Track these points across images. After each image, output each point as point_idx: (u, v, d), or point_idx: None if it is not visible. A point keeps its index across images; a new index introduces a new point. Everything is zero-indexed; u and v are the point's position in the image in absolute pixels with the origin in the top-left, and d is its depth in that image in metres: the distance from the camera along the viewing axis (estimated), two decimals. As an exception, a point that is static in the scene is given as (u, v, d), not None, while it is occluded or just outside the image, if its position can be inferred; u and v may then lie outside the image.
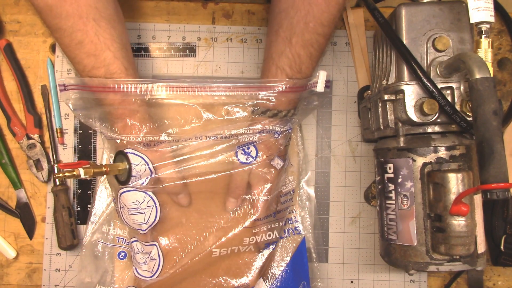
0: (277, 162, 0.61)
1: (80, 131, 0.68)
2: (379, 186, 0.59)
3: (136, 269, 0.61)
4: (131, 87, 0.57)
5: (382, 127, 0.60)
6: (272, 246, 0.63)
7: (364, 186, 0.70)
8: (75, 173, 0.54)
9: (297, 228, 0.66)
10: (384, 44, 0.62)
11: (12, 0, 0.70)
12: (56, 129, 0.68)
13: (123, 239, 0.64)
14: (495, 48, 0.70)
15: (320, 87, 0.62)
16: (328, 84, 0.64)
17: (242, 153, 0.60)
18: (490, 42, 0.53)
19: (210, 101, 0.60)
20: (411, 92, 0.55)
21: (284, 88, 0.58)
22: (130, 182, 0.57)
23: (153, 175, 0.57)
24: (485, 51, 0.53)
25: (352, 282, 0.69)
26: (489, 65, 0.52)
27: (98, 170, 0.56)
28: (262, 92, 0.59)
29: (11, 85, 0.69)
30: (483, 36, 0.53)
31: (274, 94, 0.59)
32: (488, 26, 0.53)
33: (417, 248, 0.55)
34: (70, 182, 0.68)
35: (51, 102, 0.69)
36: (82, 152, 0.68)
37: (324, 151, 0.70)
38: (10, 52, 0.68)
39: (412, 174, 0.55)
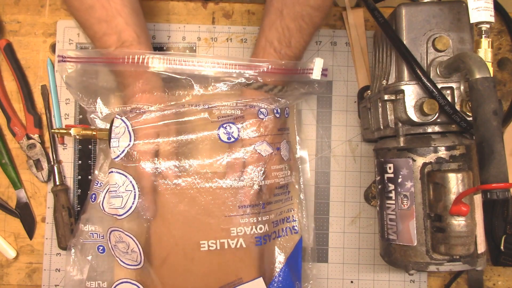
0: (265, 148, 0.60)
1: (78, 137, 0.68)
2: (379, 186, 0.59)
3: (120, 259, 0.61)
4: (128, 58, 0.57)
5: (382, 127, 0.60)
6: (264, 242, 0.62)
7: (364, 186, 0.70)
8: (66, 131, 0.65)
9: (295, 227, 0.66)
10: (384, 44, 0.62)
11: (12, 0, 0.70)
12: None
13: (97, 233, 0.64)
14: (495, 48, 0.70)
15: (316, 74, 0.62)
16: (326, 72, 0.63)
17: (224, 132, 0.60)
18: (490, 42, 0.53)
19: (198, 75, 0.61)
20: (411, 92, 0.55)
21: (269, 68, 0.59)
22: (111, 146, 0.58)
23: (131, 142, 0.58)
24: (485, 51, 0.53)
25: (352, 282, 0.69)
26: (489, 65, 0.52)
27: (86, 132, 0.63)
28: (249, 71, 0.59)
29: (11, 85, 0.69)
30: (483, 36, 0.53)
31: (258, 73, 0.59)
32: (488, 26, 0.53)
33: (417, 248, 0.55)
34: (70, 182, 0.69)
35: (51, 102, 0.69)
36: (82, 152, 0.68)
37: (324, 151, 0.70)
38: (10, 52, 0.68)
39: (412, 174, 0.55)
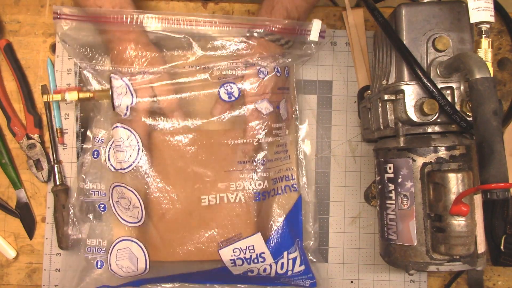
0: (265, 107, 0.61)
1: (82, 129, 0.68)
2: (379, 186, 0.59)
3: (120, 216, 0.62)
4: (122, 17, 0.58)
5: (382, 127, 0.60)
6: (263, 198, 0.63)
7: (364, 186, 0.70)
8: (60, 97, 0.62)
9: (294, 186, 0.66)
10: (384, 44, 0.62)
11: (12, 0, 0.70)
12: (56, 129, 0.68)
13: (99, 191, 0.64)
14: (495, 48, 0.70)
15: (314, 36, 0.62)
16: (323, 34, 0.63)
17: (224, 92, 0.60)
18: (490, 42, 0.53)
19: (199, 34, 0.61)
20: (411, 92, 0.55)
21: (270, 27, 0.59)
22: (116, 108, 0.59)
23: (134, 101, 0.59)
24: (485, 51, 0.53)
25: (352, 282, 0.69)
26: (489, 65, 0.52)
27: (84, 95, 0.61)
28: (252, 29, 0.60)
29: (11, 85, 0.69)
30: (483, 36, 0.53)
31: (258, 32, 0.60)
32: (488, 26, 0.53)
33: (417, 248, 0.55)
34: (70, 182, 0.69)
35: (51, 102, 0.69)
36: (82, 152, 0.68)
37: (324, 151, 0.70)
38: (10, 52, 0.68)
39: (412, 174, 0.55)
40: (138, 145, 0.60)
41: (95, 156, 0.64)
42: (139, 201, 0.60)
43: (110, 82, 0.60)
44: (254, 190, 0.62)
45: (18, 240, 0.69)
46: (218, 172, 0.61)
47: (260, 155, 0.62)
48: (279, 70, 0.62)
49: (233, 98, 0.61)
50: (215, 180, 0.61)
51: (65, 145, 0.69)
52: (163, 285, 0.66)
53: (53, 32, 0.69)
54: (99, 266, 0.64)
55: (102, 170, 0.64)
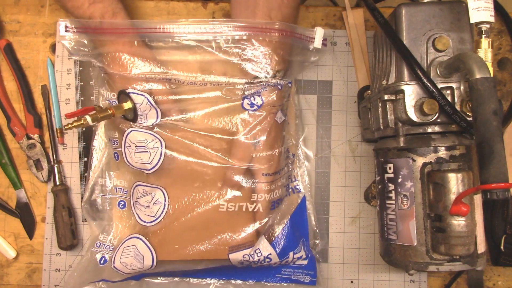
0: (280, 116, 0.61)
1: (84, 128, 0.68)
2: (379, 186, 0.59)
3: (138, 215, 0.62)
4: (129, 29, 0.58)
5: (382, 127, 0.60)
6: (278, 205, 0.63)
7: (364, 186, 0.70)
8: (83, 121, 0.55)
9: (297, 187, 0.67)
10: (384, 44, 0.62)
11: (12, 0, 0.70)
12: (56, 129, 0.68)
13: (121, 188, 0.65)
14: (495, 48, 0.70)
15: (317, 43, 0.63)
16: (325, 42, 0.64)
17: (248, 103, 0.60)
18: (490, 42, 0.53)
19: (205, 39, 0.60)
20: (411, 92, 0.55)
21: (272, 28, 0.58)
22: (138, 122, 0.59)
23: (158, 118, 0.59)
24: (485, 51, 0.53)
25: (352, 282, 0.69)
26: (489, 65, 0.52)
27: (104, 114, 0.56)
28: (256, 33, 0.58)
29: (11, 85, 0.70)
30: (483, 36, 0.54)
31: (267, 34, 0.58)
32: (488, 26, 0.53)
33: (417, 248, 0.55)
34: (70, 182, 0.69)
35: (51, 102, 0.69)
36: (87, 150, 0.68)
37: (324, 151, 0.70)
38: (10, 52, 0.68)
39: (412, 174, 0.55)
40: (162, 148, 0.60)
41: (116, 158, 0.63)
42: (164, 196, 0.60)
43: (130, 98, 0.59)
44: (272, 200, 0.62)
45: (18, 240, 0.69)
46: (245, 186, 0.61)
47: (280, 165, 0.62)
48: (291, 82, 0.63)
49: (255, 107, 0.60)
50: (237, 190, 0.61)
51: (65, 145, 0.69)
52: (162, 278, 0.67)
53: (53, 32, 0.70)
54: (102, 263, 0.64)
55: (123, 169, 0.64)
